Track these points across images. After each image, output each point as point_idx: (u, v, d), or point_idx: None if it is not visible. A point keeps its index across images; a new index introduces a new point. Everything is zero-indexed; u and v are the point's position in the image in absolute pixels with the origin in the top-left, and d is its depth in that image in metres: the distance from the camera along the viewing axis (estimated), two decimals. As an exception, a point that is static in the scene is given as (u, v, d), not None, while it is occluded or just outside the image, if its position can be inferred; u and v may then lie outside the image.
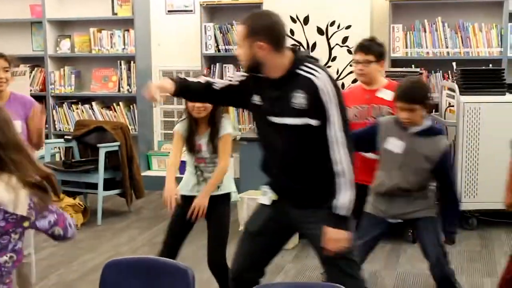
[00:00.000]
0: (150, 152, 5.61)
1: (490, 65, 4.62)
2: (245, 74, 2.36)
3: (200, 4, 5.15)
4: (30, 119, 3.05)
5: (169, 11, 5.40)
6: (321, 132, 2.19)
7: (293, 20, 4.87)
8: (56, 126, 5.70)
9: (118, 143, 4.63)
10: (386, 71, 4.38)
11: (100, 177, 4.52)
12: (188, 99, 2.66)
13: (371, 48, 3.40)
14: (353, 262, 2.31)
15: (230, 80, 2.43)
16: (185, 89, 2.42)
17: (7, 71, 2.98)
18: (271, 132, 2.30)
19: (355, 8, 4.76)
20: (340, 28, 4.80)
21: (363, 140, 2.99)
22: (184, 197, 3.03)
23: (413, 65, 4.86)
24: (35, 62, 5.84)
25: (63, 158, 5.11)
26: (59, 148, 5.24)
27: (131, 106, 5.43)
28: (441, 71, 4.85)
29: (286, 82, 2.21)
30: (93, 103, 5.62)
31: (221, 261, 3.04)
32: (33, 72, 5.82)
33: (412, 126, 2.86)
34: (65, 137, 5.11)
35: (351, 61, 3.67)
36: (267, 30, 2.17)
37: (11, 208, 1.56)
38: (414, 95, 2.84)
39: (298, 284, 2.40)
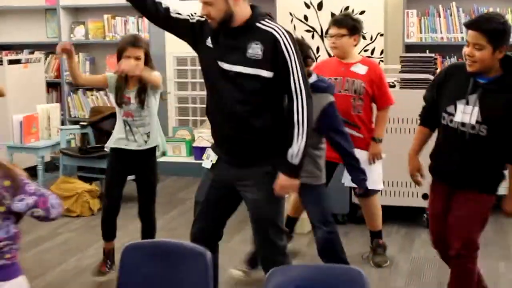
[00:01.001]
0: (165, 138, 5.71)
1: None
2: (198, 19, 2.40)
3: None
4: None
5: None
6: (271, 85, 2.28)
7: (307, 6, 5.04)
8: (71, 112, 5.84)
9: None
10: (401, 57, 4.43)
11: None
12: (134, 3, 2.54)
13: (343, 22, 3.49)
14: (279, 229, 2.45)
15: (188, 17, 2.45)
16: None
17: None
18: (219, 78, 2.36)
19: None
20: (354, 14, 4.73)
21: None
22: (115, 150, 3.36)
23: (427, 51, 4.84)
24: (50, 49, 5.94)
25: (78, 144, 5.25)
26: (74, 134, 5.36)
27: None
28: (455, 56, 4.85)
29: (243, 33, 2.29)
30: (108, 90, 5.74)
31: (150, 213, 3.53)
32: (48, 59, 5.98)
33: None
34: (80, 123, 5.22)
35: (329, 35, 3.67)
36: None
37: None
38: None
39: (317, 266, 2.38)
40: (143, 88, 3.27)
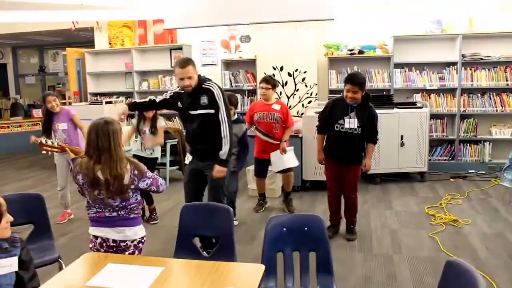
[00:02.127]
0: None
1: (385, 92, 7.13)
2: (173, 92, 3.72)
3: (221, 61, 8.05)
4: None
5: (203, 64, 8.30)
6: (215, 117, 3.55)
7: (274, 68, 7.18)
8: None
9: (176, 140, 7.03)
10: (328, 96, 6.83)
11: (167, 159, 6.85)
12: (141, 111, 4.59)
13: (270, 81, 5.25)
14: (222, 190, 3.78)
15: (165, 97, 3.77)
16: (135, 106, 3.96)
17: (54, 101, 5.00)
18: (189, 120, 3.64)
19: (308, 61, 7.11)
20: (300, 73, 7.17)
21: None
22: (135, 155, 5.06)
23: (341, 93, 7.18)
24: (127, 95, 8.69)
25: None
26: None
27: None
28: None
29: (197, 92, 3.56)
30: (160, 117, 8.33)
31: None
32: (126, 100, 8.45)
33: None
34: None
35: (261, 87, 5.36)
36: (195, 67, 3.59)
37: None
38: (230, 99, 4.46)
39: (295, 215, 3.22)
40: (153, 126, 5.14)
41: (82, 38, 10.63)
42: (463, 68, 7.26)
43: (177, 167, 7.21)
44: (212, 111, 3.56)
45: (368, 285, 3.69)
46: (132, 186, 2.62)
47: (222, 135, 3.55)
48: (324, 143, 4.55)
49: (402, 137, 6.65)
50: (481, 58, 7.20)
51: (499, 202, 5.76)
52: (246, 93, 8.16)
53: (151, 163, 5.09)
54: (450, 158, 7.49)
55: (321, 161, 4.62)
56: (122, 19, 8.45)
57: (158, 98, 3.82)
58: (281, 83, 7.25)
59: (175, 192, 6.33)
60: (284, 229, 2.79)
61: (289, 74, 7.31)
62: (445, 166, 7.43)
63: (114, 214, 2.70)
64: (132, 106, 3.91)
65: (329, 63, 7.53)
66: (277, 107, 5.29)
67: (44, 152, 3.54)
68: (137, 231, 2.77)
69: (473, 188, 6.43)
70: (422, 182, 6.79)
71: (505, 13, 7.20)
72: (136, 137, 5.23)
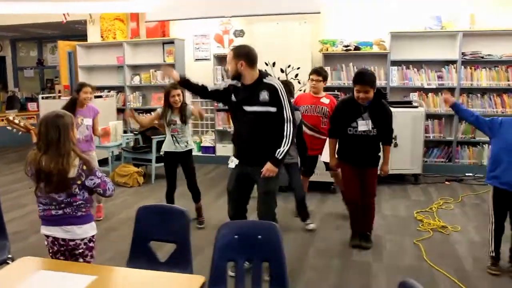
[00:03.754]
0: None
1: (381, 90, 7.03)
2: (228, 84, 3.37)
3: (213, 55, 7.83)
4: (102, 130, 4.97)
5: (196, 59, 8.19)
6: (275, 116, 3.19)
7: (266, 64, 6.87)
8: (131, 126, 8.19)
9: (164, 136, 6.01)
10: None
11: (153, 155, 6.70)
12: (188, 90, 3.57)
13: (321, 73, 5.02)
14: (274, 198, 3.45)
15: (218, 87, 3.47)
16: (186, 82, 3.42)
17: (91, 93, 4.83)
18: (242, 117, 3.28)
19: (302, 57, 6.90)
20: (293, 69, 6.95)
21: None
22: (167, 153, 4.61)
23: (335, 90, 7.11)
24: (119, 89, 8.52)
25: (132, 145, 7.25)
26: (133, 138, 7.34)
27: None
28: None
29: (255, 86, 3.18)
30: (152, 113, 7.84)
31: (195, 187, 4.72)
32: (118, 95, 8.50)
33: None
34: (134, 132, 7.54)
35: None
36: (245, 55, 3.20)
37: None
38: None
39: (248, 221, 3.15)
40: (183, 114, 4.54)
41: (79, 31, 10.46)
42: (463, 66, 6.97)
43: (163, 163, 6.92)
44: (272, 109, 3.24)
45: (339, 296, 3.45)
46: (79, 182, 2.56)
47: (285, 133, 3.24)
48: (337, 147, 4.25)
49: (396, 138, 6.37)
50: (482, 57, 6.91)
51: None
52: (238, 89, 7.88)
53: (188, 158, 4.70)
54: (447, 160, 7.21)
55: (333, 167, 4.37)
56: (108, 11, 8.29)
57: (210, 87, 3.53)
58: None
59: (160, 190, 6.12)
60: (236, 236, 2.56)
61: (282, 70, 7.07)
62: (441, 168, 7.14)
63: (60, 212, 2.63)
64: (183, 81, 3.49)
65: (324, 59, 7.26)
66: (326, 100, 5.09)
67: (9, 128, 3.43)
68: (87, 229, 2.69)
69: (468, 192, 6.15)
70: (416, 185, 6.53)
71: (507, 10, 6.88)
72: (163, 132, 5.01)
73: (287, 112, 3.24)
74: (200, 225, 4.88)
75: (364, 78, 3.88)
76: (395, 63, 7.16)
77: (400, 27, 7.12)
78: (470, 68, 6.99)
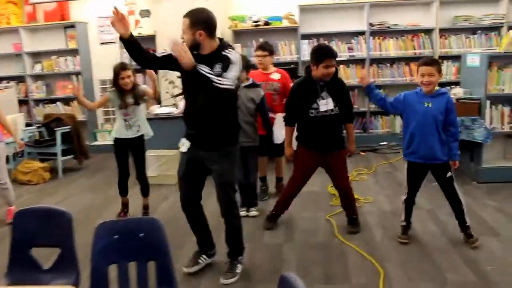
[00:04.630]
0: (96, 130, 7.83)
1: (292, 65, 6.72)
2: None
3: (119, 38, 7.54)
4: None
5: (101, 43, 7.75)
6: (227, 92, 2.79)
7: None
8: (36, 118, 7.71)
9: (69, 127, 6.44)
10: None
11: (58, 148, 6.29)
12: (133, 52, 2.87)
13: (265, 47, 4.73)
14: (234, 189, 3.13)
15: (170, 53, 2.89)
16: (136, 42, 2.85)
17: None
18: (194, 89, 2.90)
19: None
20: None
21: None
22: (118, 139, 4.30)
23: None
24: (20, 79, 7.86)
25: (37, 138, 6.77)
26: (37, 132, 6.86)
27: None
28: None
29: (212, 58, 2.82)
30: (58, 103, 7.79)
31: (144, 178, 4.44)
32: (19, 85, 7.85)
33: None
34: (36, 124, 7.00)
35: None
36: (204, 22, 2.80)
37: None
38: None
39: (130, 219, 2.76)
40: (135, 95, 4.22)
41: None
42: (371, 37, 7.00)
43: (71, 156, 6.65)
44: None
45: (247, 283, 3.31)
46: None
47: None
48: (296, 133, 4.00)
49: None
50: (389, 27, 6.99)
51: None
52: (148, 72, 7.53)
53: (139, 145, 4.38)
54: (362, 131, 7.28)
55: (289, 156, 4.07)
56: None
57: (159, 53, 3.04)
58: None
59: (69, 185, 5.91)
60: (116, 236, 2.32)
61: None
62: (356, 139, 7.08)
63: None
64: (134, 38, 2.89)
65: (234, 37, 7.07)
66: (276, 76, 4.82)
67: None
68: None
69: (381, 161, 6.24)
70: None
71: (410, -22, 6.97)
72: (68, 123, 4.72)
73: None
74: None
75: (333, 52, 3.66)
76: (305, 36, 7.08)
77: (308, 0, 7.02)
78: (379, 39, 7.05)
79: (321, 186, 5.32)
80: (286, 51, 7.15)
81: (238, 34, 7.16)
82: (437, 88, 3.58)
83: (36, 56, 8.03)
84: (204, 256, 3.46)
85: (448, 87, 6.33)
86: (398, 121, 7.17)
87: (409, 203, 3.80)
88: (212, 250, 3.50)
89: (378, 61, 7.14)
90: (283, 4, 7.13)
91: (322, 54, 3.65)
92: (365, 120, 7.23)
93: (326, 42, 7.09)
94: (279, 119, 4.54)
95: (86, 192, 5.55)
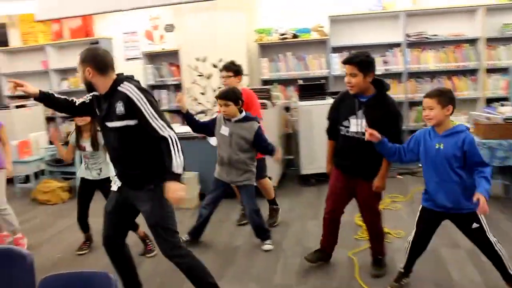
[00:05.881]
0: None
1: (323, 80, 6.21)
2: (92, 94, 2.83)
3: (142, 53, 7.19)
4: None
5: (127, 59, 7.52)
6: (139, 129, 2.64)
7: (197, 59, 6.43)
8: (62, 136, 7.30)
9: None
10: (256, 88, 5.63)
11: (77, 167, 5.80)
12: (52, 106, 3.01)
13: (230, 67, 4.47)
14: (168, 229, 2.81)
15: (85, 100, 2.92)
16: (46, 98, 2.88)
17: None
18: (108, 133, 2.78)
19: (236, 49, 6.28)
20: (226, 63, 5.83)
21: (207, 128, 4.02)
22: (83, 179, 4.11)
23: (274, 83, 6.64)
24: None
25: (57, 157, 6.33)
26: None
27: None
28: (292, 86, 6.65)
29: (111, 96, 2.66)
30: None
31: None
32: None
33: (232, 117, 3.83)
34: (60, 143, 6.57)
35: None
36: (91, 59, 2.67)
37: None
38: (227, 94, 3.81)
39: (78, 273, 2.02)
40: (95, 138, 4.01)
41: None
42: (408, 49, 6.42)
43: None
44: (132, 122, 2.66)
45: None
46: None
47: (170, 142, 2.62)
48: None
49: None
50: (427, 37, 6.39)
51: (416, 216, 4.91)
52: (172, 89, 7.35)
53: (104, 186, 4.02)
54: (399, 152, 6.64)
55: (328, 173, 3.67)
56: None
57: (78, 101, 2.99)
58: (206, 75, 6.53)
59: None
60: (62, 293, 1.94)
61: (214, 66, 6.44)
62: (393, 160, 6.58)
63: None
64: (43, 95, 2.93)
65: (260, 50, 6.70)
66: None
67: None
68: None
69: (420, 187, 5.58)
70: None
71: (451, -15, 6.35)
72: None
73: (156, 120, 2.63)
74: (150, 253, 4.13)
75: (350, 57, 3.17)
76: (336, 49, 6.59)
77: (339, 11, 6.55)
78: (417, 50, 6.47)
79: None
80: (315, 65, 6.69)
81: (264, 48, 6.78)
82: (454, 124, 2.98)
83: (63, 73, 7.96)
84: None
85: (496, 103, 5.66)
86: (440, 140, 6.51)
87: (417, 247, 3.19)
88: None
89: (416, 75, 6.54)
90: (312, 15, 6.68)
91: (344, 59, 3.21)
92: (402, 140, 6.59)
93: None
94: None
95: (101, 215, 5.24)
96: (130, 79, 2.73)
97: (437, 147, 2.91)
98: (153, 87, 7.27)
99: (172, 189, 2.56)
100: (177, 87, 7.24)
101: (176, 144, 2.61)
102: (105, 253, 3.05)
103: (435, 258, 3.72)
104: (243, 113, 3.89)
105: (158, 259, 3.96)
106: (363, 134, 3.08)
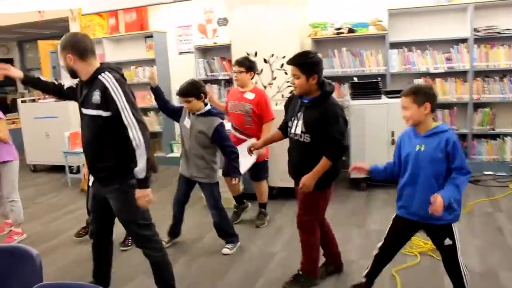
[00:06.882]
0: (173, 141, 7.63)
1: (379, 78, 5.77)
2: (79, 80, 2.81)
3: (194, 47, 7.10)
4: None
5: (180, 52, 7.49)
6: (110, 122, 2.60)
7: (248, 54, 5.96)
8: None
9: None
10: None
11: None
12: (37, 89, 3.17)
13: (243, 63, 4.31)
14: (139, 224, 2.82)
15: (72, 84, 2.95)
16: (31, 82, 2.96)
17: None
18: (83, 120, 2.80)
19: (289, 44, 5.94)
20: (277, 58, 6.02)
21: (174, 112, 3.92)
22: None
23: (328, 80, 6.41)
24: None
25: None
26: None
27: (159, 113, 7.34)
28: (346, 84, 6.27)
29: (91, 84, 2.66)
30: None
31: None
32: None
33: (194, 111, 3.72)
34: None
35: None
36: (70, 45, 2.64)
37: None
38: (186, 91, 3.66)
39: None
40: None
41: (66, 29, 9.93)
42: (475, 45, 5.87)
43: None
44: (105, 113, 2.62)
45: None
46: None
47: (134, 144, 2.55)
48: None
49: (393, 134, 5.45)
50: (499, 32, 5.80)
51: (509, 219, 4.44)
52: (223, 83, 7.22)
53: None
54: (461, 157, 6.11)
55: (249, 150, 3.64)
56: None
57: (66, 84, 3.06)
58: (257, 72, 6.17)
59: None
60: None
61: (265, 61, 6.21)
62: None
63: None
64: (29, 78, 2.99)
65: (314, 45, 6.36)
66: (250, 96, 4.36)
67: None
68: None
69: (481, 197, 5.11)
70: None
71: (529, -26, 5.71)
72: None
73: (128, 116, 2.56)
74: (125, 247, 4.18)
75: (293, 57, 3.00)
76: (395, 45, 6.15)
77: (399, 3, 6.09)
78: (485, 47, 5.90)
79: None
80: (372, 62, 6.27)
81: (319, 43, 6.47)
82: (435, 124, 2.67)
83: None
84: None
85: None
86: (509, 147, 5.93)
87: (384, 255, 2.94)
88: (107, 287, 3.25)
89: (484, 74, 5.97)
90: (370, 9, 6.27)
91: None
92: (466, 144, 6.08)
93: (419, 51, 6.14)
94: (243, 146, 3.95)
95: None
96: (112, 69, 2.68)
97: (417, 149, 2.66)
98: (205, 81, 7.10)
99: (140, 197, 2.61)
100: (229, 82, 7.07)
101: (142, 146, 2.54)
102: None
103: (495, 284, 3.29)
104: (208, 107, 3.75)
105: (190, 261, 3.86)
106: (300, 136, 3.03)
